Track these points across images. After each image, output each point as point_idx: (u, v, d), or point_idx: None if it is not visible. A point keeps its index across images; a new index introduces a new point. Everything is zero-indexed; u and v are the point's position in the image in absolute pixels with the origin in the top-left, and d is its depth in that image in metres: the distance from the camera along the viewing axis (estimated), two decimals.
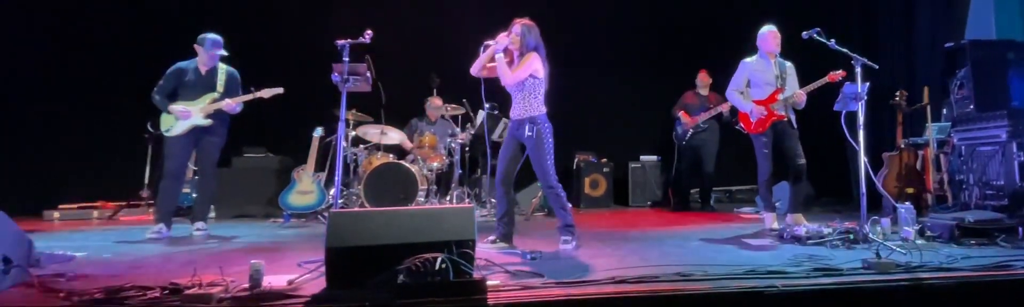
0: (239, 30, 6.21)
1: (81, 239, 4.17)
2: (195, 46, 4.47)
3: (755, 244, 3.54)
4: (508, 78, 3.69)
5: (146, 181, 5.82)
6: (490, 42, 3.73)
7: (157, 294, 2.25)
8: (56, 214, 5.57)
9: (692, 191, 6.49)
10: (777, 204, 4.60)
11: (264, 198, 5.76)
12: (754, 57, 4.45)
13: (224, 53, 4.52)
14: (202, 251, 3.62)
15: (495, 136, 5.90)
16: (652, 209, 6.50)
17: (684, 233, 4.21)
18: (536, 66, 3.72)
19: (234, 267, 2.78)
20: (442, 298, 2.14)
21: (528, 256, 3.07)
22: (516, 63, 3.75)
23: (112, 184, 5.96)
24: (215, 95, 4.48)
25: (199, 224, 4.53)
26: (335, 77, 3.58)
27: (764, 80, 4.37)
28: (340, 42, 3.55)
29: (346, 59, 3.56)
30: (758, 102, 4.37)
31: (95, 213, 5.64)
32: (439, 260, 2.33)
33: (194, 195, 5.98)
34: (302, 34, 6.18)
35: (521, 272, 2.66)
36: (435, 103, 6.17)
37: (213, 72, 4.53)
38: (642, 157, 6.98)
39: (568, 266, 2.84)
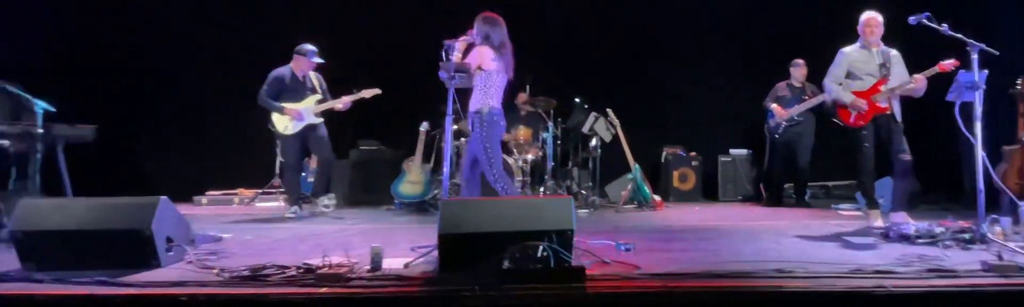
0: (351, 32, 6.50)
1: (227, 222, 4.49)
2: (296, 55, 4.88)
3: (858, 242, 3.23)
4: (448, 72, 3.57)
5: (276, 171, 6.18)
6: (449, 41, 3.63)
7: (294, 272, 2.39)
8: (204, 200, 6.03)
9: (785, 186, 6.07)
10: (880, 201, 4.22)
11: (378, 187, 5.98)
12: (854, 46, 4.05)
13: (321, 61, 4.85)
14: (327, 235, 3.82)
15: (585, 129, 5.86)
16: (743, 204, 6.18)
17: (779, 229, 3.93)
18: (483, 59, 3.64)
19: (356, 250, 2.89)
20: (544, 284, 2.15)
21: (622, 247, 3.01)
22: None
23: (249, 174, 6.36)
24: (318, 97, 4.90)
25: (324, 199, 5.10)
26: (442, 74, 3.65)
27: (865, 70, 3.96)
28: (447, 41, 3.62)
29: (452, 57, 3.63)
30: (858, 94, 3.95)
31: (235, 199, 6.06)
32: (541, 248, 2.36)
33: (310, 180, 6.35)
34: (410, 34, 6.31)
35: (618, 262, 2.62)
36: (521, 98, 6.19)
37: (307, 77, 4.94)
38: (732, 150, 6.62)
39: (661, 259, 2.75)
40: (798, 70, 5.81)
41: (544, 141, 5.86)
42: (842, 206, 5.45)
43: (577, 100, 6.13)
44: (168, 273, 2.50)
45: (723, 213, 5.25)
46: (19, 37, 5.84)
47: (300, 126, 4.83)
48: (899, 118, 3.97)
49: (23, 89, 3.84)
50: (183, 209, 5.22)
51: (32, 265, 2.52)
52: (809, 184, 6.03)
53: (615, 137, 5.85)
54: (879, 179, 4.40)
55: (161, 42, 6.49)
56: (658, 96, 6.88)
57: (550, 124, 5.96)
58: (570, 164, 6.31)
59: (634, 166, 5.64)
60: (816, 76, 5.40)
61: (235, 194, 6.11)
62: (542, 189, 5.68)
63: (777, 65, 6.02)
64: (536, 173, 5.92)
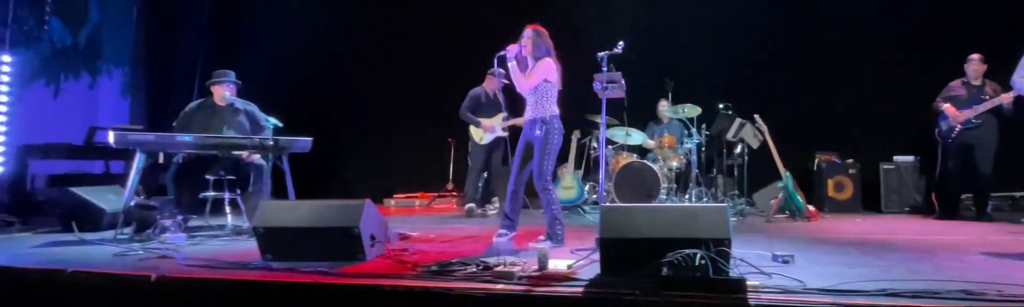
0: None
1: (411, 222, 4.84)
2: (488, 76, 5.30)
3: None
4: (523, 85, 3.48)
5: (450, 177, 6.55)
6: (503, 53, 3.50)
7: (474, 269, 2.53)
8: (392, 202, 6.53)
9: (963, 197, 5.14)
10: None
11: (535, 193, 6.11)
12: None
13: (507, 81, 5.07)
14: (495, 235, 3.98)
15: (730, 136, 5.57)
16: (911, 216, 5.35)
17: (959, 245, 3.38)
18: (550, 72, 3.46)
19: (523, 251, 3.00)
20: (704, 293, 2.07)
21: (779, 259, 2.78)
22: (531, 68, 3.50)
23: (427, 179, 6.80)
24: (505, 114, 5.30)
25: (489, 207, 5.52)
26: (597, 85, 3.68)
27: None
28: (600, 54, 3.65)
29: (605, 69, 3.65)
30: None
31: (416, 202, 6.49)
32: (698, 256, 2.30)
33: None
34: (565, 47, 6.39)
35: (777, 275, 2.43)
36: (663, 105, 6.03)
37: (497, 95, 5.35)
38: (896, 157, 5.76)
39: (825, 273, 2.50)
40: (974, 66, 4.87)
41: (689, 148, 5.66)
42: None
43: (721, 106, 5.82)
44: (371, 266, 2.74)
45: (889, 226, 4.62)
46: (260, 65, 6.76)
47: (491, 138, 5.33)
48: None
49: (259, 108, 4.46)
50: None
51: (270, 256, 2.88)
52: (992, 195, 5.07)
53: (763, 143, 5.44)
54: None
55: (364, 67, 7.16)
56: (809, 99, 6.22)
57: (693, 131, 5.74)
58: (714, 171, 6.00)
59: (785, 174, 5.20)
60: (997, 74, 4.65)
61: (416, 197, 6.57)
62: (688, 197, 5.49)
63: (950, 61, 5.12)
64: (680, 181, 5.74)
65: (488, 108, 5.35)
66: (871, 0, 6.03)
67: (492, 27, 6.86)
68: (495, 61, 3.58)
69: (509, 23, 7.08)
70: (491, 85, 5.37)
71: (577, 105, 5.71)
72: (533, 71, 3.46)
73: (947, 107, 4.96)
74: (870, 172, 5.83)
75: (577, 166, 5.86)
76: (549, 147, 3.41)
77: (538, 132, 3.45)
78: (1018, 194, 5.62)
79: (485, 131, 5.33)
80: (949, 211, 5.03)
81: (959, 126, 4.92)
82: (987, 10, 5.50)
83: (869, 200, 5.80)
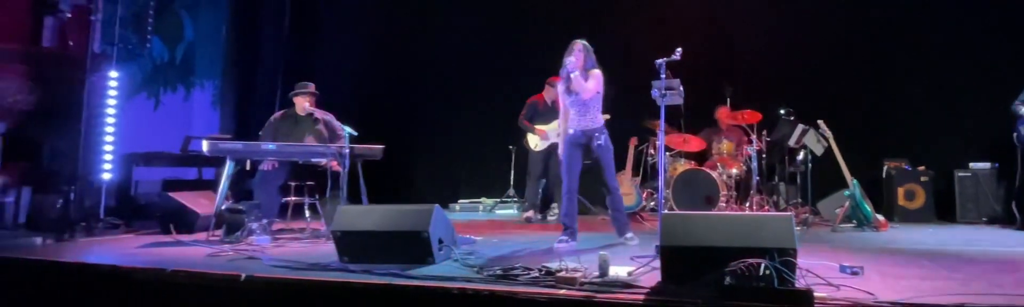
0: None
1: (475, 226, 4.91)
2: (547, 86, 5.29)
3: None
4: (587, 93, 3.61)
5: (511, 183, 6.60)
6: (570, 69, 3.58)
7: (537, 274, 2.55)
8: (457, 207, 6.63)
9: None
10: None
11: (594, 199, 6.08)
12: None
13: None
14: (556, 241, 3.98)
15: (792, 142, 5.35)
16: (990, 227, 4.96)
17: None
18: (602, 83, 3.67)
19: (583, 256, 2.95)
20: (768, 304, 2.00)
21: (848, 270, 2.64)
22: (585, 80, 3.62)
23: (490, 185, 6.87)
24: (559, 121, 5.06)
25: (549, 211, 5.45)
26: (655, 92, 3.64)
27: None
28: (658, 61, 3.61)
29: (663, 76, 3.61)
30: None
31: (479, 207, 6.55)
32: (763, 266, 2.23)
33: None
34: (623, 54, 6.33)
35: (845, 287, 2.31)
36: (722, 111, 5.86)
37: (555, 103, 5.08)
38: (972, 164, 5.37)
39: (897, 286, 2.37)
40: None
41: (748, 155, 5.49)
42: None
43: (781, 112, 5.59)
44: (440, 268, 2.80)
45: (966, 236, 4.32)
46: (336, 76, 7.04)
47: (546, 144, 5.31)
48: None
49: (336, 118, 4.65)
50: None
51: (347, 258, 2.98)
52: None
53: (828, 150, 5.14)
54: None
55: (432, 77, 7.32)
56: (876, 103, 5.87)
57: (754, 137, 5.55)
58: (776, 179, 5.78)
59: (851, 181, 4.90)
60: None
61: (479, 202, 6.65)
62: (748, 204, 5.31)
63: None
64: (740, 188, 5.56)
65: (545, 116, 5.35)
66: (940, 2, 5.69)
67: (551, 38, 6.94)
68: (564, 75, 3.69)
69: (568, 33, 7.11)
70: (549, 94, 5.36)
71: (633, 112, 5.68)
72: (591, 81, 3.62)
73: None
74: (944, 180, 5.46)
75: (635, 173, 5.79)
76: (611, 154, 3.71)
77: (599, 141, 3.64)
78: None
79: (540, 138, 5.33)
80: None
81: None
82: None
83: (943, 209, 5.42)
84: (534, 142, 5.40)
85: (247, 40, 7.21)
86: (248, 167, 4.49)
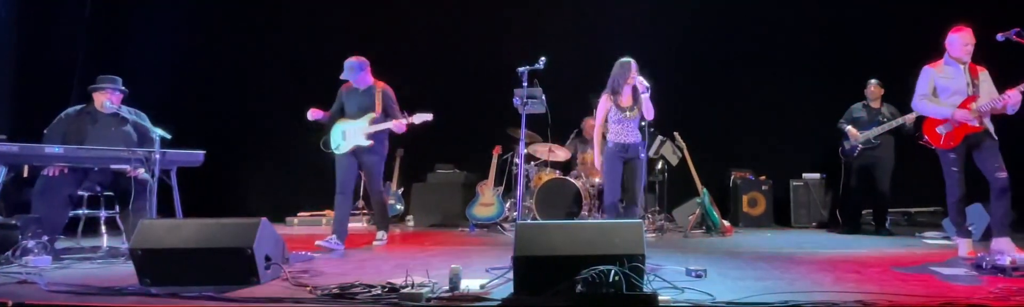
0: (434, 59, 6.74)
1: (314, 241, 4.65)
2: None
3: (947, 273, 2.97)
4: (650, 114, 4.02)
5: (361, 194, 6.37)
6: (642, 89, 3.95)
7: (379, 291, 2.45)
8: (295, 220, 6.27)
9: (864, 212, 5.63)
10: (970, 229, 3.86)
11: (453, 209, 6.08)
12: (939, 63, 3.72)
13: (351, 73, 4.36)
14: (408, 255, 3.90)
15: (651, 153, 5.76)
16: (818, 231, 5.78)
17: (859, 258, 3.66)
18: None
19: (434, 270, 2.91)
20: None
21: (693, 273, 2.91)
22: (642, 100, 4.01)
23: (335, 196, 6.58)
24: (374, 115, 4.30)
25: (379, 234, 4.51)
26: (516, 100, 3.73)
27: (953, 89, 3.63)
28: (520, 69, 3.71)
29: (525, 84, 3.70)
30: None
31: (323, 220, 6.26)
32: (612, 272, 2.33)
33: (399, 207, 6.50)
34: (484, 62, 6.47)
35: (689, 289, 2.53)
36: (588, 123, 6.19)
37: (370, 91, 4.37)
38: (805, 175, 6.25)
39: (735, 287, 2.65)
40: (873, 89, 5.42)
41: None
42: (928, 234, 5.04)
43: (643, 124, 6.06)
44: (266, 289, 2.61)
45: (797, 240, 4.96)
46: (144, 72, 6.36)
47: (348, 146, 4.37)
48: (994, 135, 3.61)
49: (148, 118, 4.18)
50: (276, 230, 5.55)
51: (148, 280, 2.67)
52: (890, 210, 5.59)
53: (682, 160, 5.71)
54: (969, 205, 3.99)
55: (264, 76, 6.92)
56: (726, 119, 6.65)
57: None
58: None
59: (702, 190, 5.47)
60: (894, 97, 5.10)
61: (323, 215, 6.34)
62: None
63: (852, 85, 5.64)
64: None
65: (357, 106, 4.40)
66: (781, 27, 6.55)
67: (398, 37, 6.91)
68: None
69: (422, 34, 7.10)
70: (355, 80, 4.42)
71: (500, 120, 5.79)
72: (647, 101, 3.99)
73: (849, 129, 5.46)
74: (781, 188, 6.28)
75: (498, 183, 5.87)
76: (645, 168, 4.07)
77: (643, 155, 4.00)
78: (914, 210, 6.20)
79: (343, 138, 4.38)
80: (852, 226, 5.46)
81: (860, 146, 5.38)
82: (886, 38, 6.13)
83: (780, 215, 6.24)
84: (336, 143, 4.38)
85: (35, 20, 6.31)
86: (26, 173, 3.88)
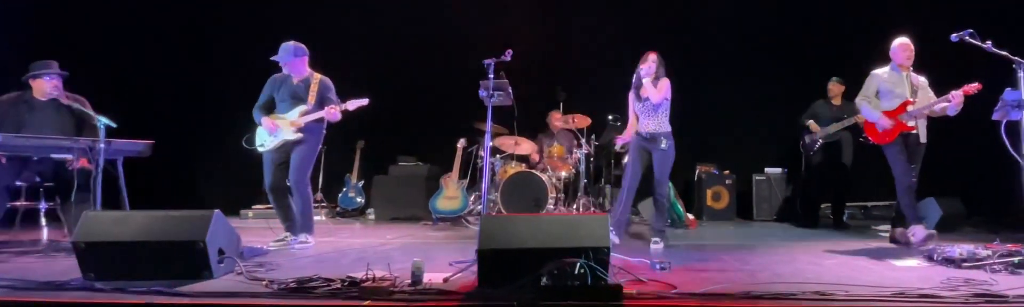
0: (399, 51, 6.66)
1: (271, 235, 4.58)
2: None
3: (900, 265, 3.15)
4: (656, 98, 4.11)
5: (320, 186, 6.29)
6: (643, 74, 4.14)
7: (339, 285, 2.44)
8: (250, 213, 6.14)
9: (822, 206, 5.86)
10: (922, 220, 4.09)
11: (416, 202, 6.04)
12: (885, 68, 4.15)
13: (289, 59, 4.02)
14: (369, 249, 3.87)
15: (618, 147, 5.84)
16: (779, 224, 5.99)
17: (816, 250, 3.82)
18: (669, 91, 4.18)
19: (396, 264, 2.91)
20: (581, 302, 2.15)
21: (657, 266, 2.98)
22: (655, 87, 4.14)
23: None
24: (305, 108, 3.98)
25: (302, 236, 3.96)
26: (482, 92, 3.73)
27: (895, 91, 4.08)
28: (486, 61, 3.70)
29: (491, 76, 3.70)
30: (887, 113, 4.05)
31: None
32: (578, 265, 2.36)
33: (359, 200, 6.43)
34: (450, 53, 6.43)
35: (653, 281, 2.60)
36: (554, 115, 6.23)
37: (306, 81, 4.04)
38: (767, 169, 6.45)
39: (697, 278, 2.73)
40: (833, 87, 5.66)
41: (577, 158, 5.87)
42: (882, 227, 5.22)
43: (610, 117, 6.13)
44: (220, 284, 2.57)
45: (758, 233, 5.15)
46: (83, 56, 6.11)
47: (275, 142, 4.05)
48: (923, 139, 4.05)
49: (89, 104, 4.03)
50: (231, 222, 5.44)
51: (92, 275, 2.61)
52: (847, 204, 5.83)
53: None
54: (921, 200, 4.28)
55: (219, 59, 6.71)
56: (691, 114, 6.72)
57: (583, 141, 5.96)
58: (603, 181, 6.28)
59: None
60: (854, 95, 5.32)
61: None
62: (576, 206, 5.67)
63: (815, 83, 5.87)
64: (569, 190, 5.92)
65: (289, 99, 4.06)
66: (744, 25, 6.72)
67: (361, 27, 6.80)
68: (637, 81, 4.17)
69: (386, 24, 6.99)
70: (288, 69, 4.07)
71: (463, 113, 5.76)
72: (660, 88, 4.12)
73: (810, 123, 5.69)
74: (744, 182, 6.45)
75: (462, 176, 5.85)
76: (671, 159, 4.16)
77: (663, 146, 4.09)
78: (870, 204, 6.48)
79: (268, 133, 4.07)
80: (811, 219, 5.68)
81: (820, 140, 5.60)
82: (847, 38, 6.33)
83: (743, 209, 6.41)
84: (262, 139, 4.09)
85: None
86: None
